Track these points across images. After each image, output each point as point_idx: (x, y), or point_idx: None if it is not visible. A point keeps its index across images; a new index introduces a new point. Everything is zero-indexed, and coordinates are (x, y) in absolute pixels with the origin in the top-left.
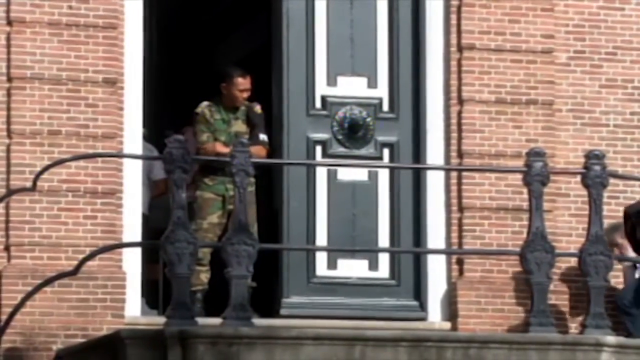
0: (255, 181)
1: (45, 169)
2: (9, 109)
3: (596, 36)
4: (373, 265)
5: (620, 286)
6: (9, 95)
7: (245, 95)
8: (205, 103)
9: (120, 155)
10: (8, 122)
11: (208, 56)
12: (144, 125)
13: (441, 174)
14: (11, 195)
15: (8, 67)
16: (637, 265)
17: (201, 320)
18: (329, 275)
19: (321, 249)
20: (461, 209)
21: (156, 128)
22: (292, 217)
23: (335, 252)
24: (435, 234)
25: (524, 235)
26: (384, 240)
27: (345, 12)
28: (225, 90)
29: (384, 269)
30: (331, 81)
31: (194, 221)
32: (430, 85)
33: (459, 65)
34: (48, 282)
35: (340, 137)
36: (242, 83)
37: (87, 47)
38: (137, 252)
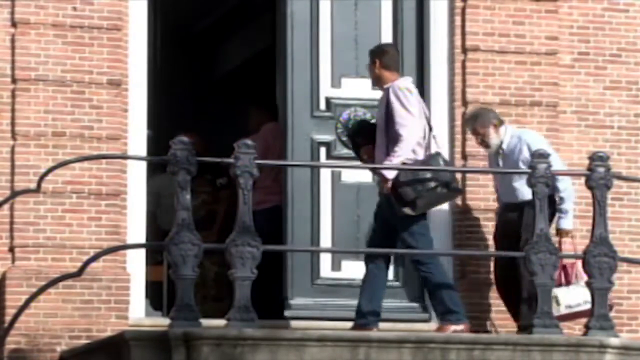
0: None
1: (50, 170)
2: (13, 110)
3: (600, 38)
4: None
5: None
6: (13, 96)
7: None
8: None
9: (124, 156)
10: (12, 124)
11: (213, 57)
12: (149, 127)
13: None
14: (15, 197)
15: (12, 68)
16: None
17: (205, 322)
18: (333, 277)
19: (325, 250)
20: (465, 210)
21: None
22: (297, 218)
23: (339, 254)
24: (439, 236)
25: None
26: None
27: (349, 14)
28: None
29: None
30: (335, 83)
31: None
32: (434, 86)
33: (463, 67)
34: (52, 283)
35: (344, 138)
36: None
37: (91, 48)
38: (141, 253)
